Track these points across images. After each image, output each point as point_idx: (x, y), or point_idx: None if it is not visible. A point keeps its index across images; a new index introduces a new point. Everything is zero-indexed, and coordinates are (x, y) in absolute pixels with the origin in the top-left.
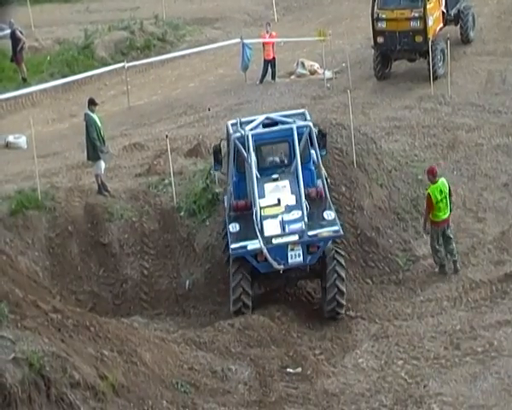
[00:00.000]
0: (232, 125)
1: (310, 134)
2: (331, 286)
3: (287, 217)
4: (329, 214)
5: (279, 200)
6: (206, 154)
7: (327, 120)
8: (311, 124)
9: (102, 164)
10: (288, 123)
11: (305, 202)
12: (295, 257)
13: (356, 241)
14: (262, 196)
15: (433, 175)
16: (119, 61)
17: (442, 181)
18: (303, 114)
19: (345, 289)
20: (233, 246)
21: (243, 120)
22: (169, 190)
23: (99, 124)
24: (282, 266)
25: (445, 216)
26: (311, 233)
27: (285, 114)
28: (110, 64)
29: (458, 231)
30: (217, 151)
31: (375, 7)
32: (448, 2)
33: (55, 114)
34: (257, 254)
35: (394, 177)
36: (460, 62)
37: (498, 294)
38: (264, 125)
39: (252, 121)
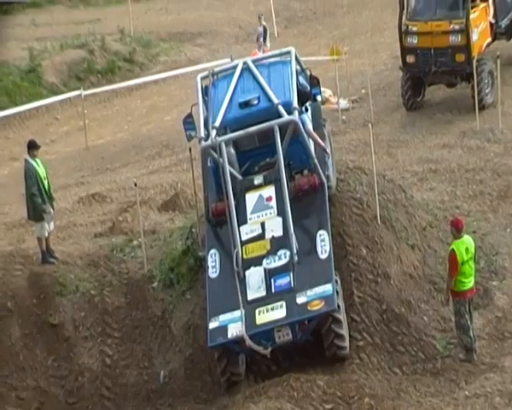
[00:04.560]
0: (202, 78)
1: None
2: (327, 331)
3: (273, 263)
4: (324, 242)
5: (263, 227)
6: (186, 207)
7: (342, 163)
8: (295, 118)
9: (46, 226)
10: (268, 113)
11: (293, 236)
12: (283, 337)
13: (381, 319)
14: (243, 219)
15: (457, 229)
16: (74, 89)
17: (468, 238)
18: (288, 53)
19: (343, 332)
20: (211, 326)
21: (216, 70)
22: (138, 255)
23: (42, 174)
24: (268, 350)
25: (472, 284)
26: (300, 301)
27: (269, 54)
28: (62, 92)
29: None
30: (188, 118)
31: (404, 17)
32: (498, 11)
33: None
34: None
35: (430, 236)
36: None
37: None
38: (241, 104)
39: (227, 70)
